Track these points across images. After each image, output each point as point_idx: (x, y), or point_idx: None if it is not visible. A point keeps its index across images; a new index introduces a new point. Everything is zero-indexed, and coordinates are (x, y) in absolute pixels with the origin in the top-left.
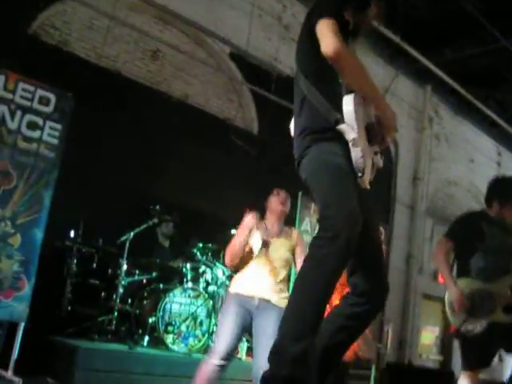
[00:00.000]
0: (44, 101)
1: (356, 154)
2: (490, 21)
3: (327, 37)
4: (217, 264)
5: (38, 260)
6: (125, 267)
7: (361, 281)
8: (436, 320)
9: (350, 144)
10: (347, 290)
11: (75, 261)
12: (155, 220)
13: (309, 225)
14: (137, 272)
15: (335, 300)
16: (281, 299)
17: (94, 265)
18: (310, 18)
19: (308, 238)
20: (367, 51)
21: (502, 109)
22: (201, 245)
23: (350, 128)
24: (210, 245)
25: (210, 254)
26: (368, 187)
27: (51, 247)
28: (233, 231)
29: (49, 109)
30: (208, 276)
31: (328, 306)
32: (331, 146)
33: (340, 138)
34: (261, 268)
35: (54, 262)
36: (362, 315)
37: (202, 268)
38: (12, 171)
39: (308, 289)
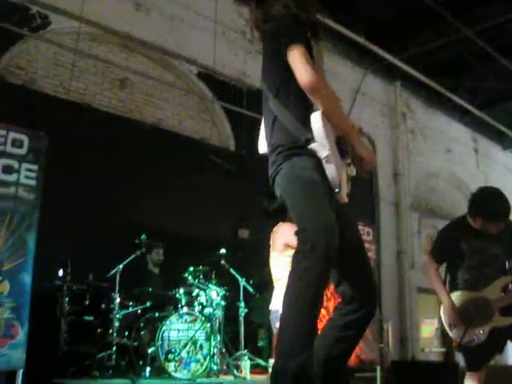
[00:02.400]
0: (17, 143)
1: (331, 171)
2: (450, 12)
3: (302, 68)
4: (210, 286)
5: (29, 304)
6: (118, 300)
7: (348, 288)
8: (434, 312)
9: (324, 161)
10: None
11: (67, 300)
12: (143, 250)
13: None
14: (130, 304)
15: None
16: None
17: (87, 302)
18: (275, 38)
19: None
20: (333, 54)
21: (472, 96)
22: (191, 268)
23: (322, 146)
24: (200, 267)
25: (201, 276)
26: (346, 201)
27: (41, 289)
28: (222, 250)
29: (23, 151)
30: (202, 299)
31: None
32: (302, 160)
33: (311, 153)
34: None
35: (46, 304)
36: (356, 322)
37: (196, 291)
38: None
39: (295, 304)
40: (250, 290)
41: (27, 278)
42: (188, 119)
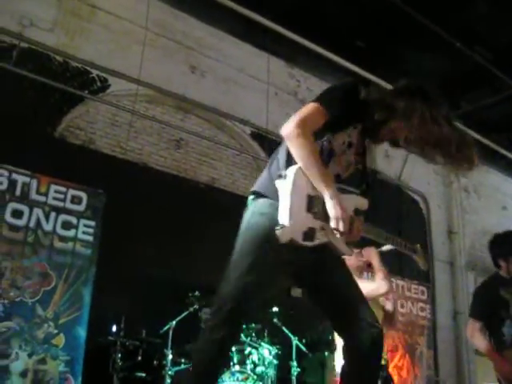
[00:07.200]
0: (76, 200)
1: (284, 203)
2: (500, 69)
3: (292, 118)
4: (262, 344)
5: (83, 358)
6: (170, 357)
7: (347, 329)
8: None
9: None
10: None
11: (120, 355)
12: (196, 306)
13: None
14: (183, 360)
15: None
16: None
17: (140, 357)
18: None
19: None
20: None
21: None
22: (244, 326)
23: (288, 184)
24: (252, 325)
25: (253, 334)
26: (283, 241)
27: (95, 343)
28: (275, 309)
29: (81, 207)
30: (254, 357)
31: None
32: (264, 203)
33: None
34: None
35: (99, 359)
36: (365, 358)
37: (248, 349)
38: (51, 272)
39: (195, 361)
40: (303, 349)
41: (82, 332)
42: (241, 178)
